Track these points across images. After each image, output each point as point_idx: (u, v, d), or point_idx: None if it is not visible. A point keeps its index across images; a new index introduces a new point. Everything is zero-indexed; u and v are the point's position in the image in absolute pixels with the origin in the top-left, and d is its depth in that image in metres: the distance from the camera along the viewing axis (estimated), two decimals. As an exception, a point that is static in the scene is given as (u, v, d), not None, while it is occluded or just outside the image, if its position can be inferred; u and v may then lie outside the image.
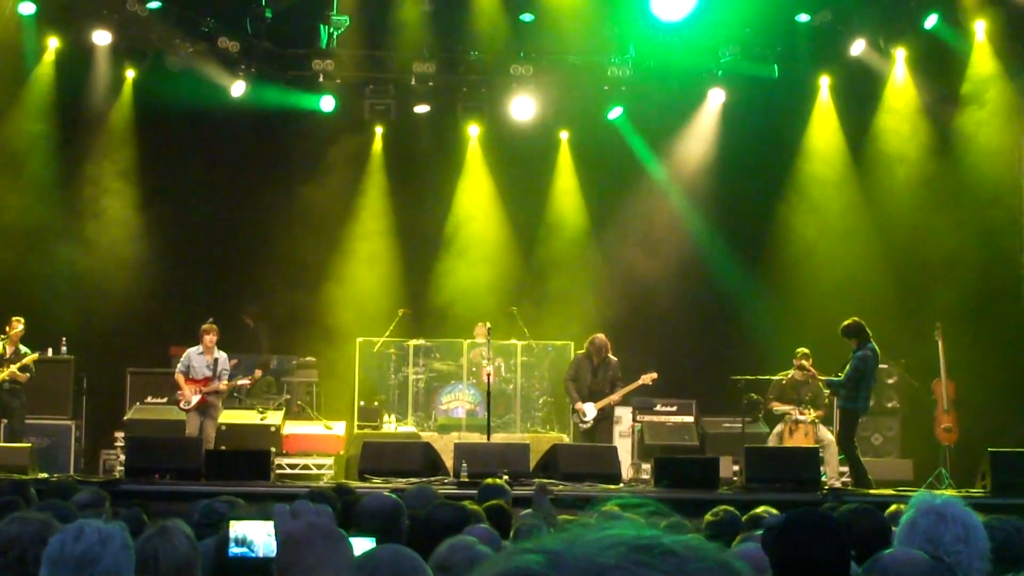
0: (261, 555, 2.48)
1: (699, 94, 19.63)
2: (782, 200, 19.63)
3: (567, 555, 1.19)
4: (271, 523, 2.38)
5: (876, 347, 14.86)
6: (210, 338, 16.05)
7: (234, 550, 2.49)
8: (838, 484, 15.09)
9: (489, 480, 9.54)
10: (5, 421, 16.28)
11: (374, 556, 3.22)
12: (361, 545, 2.39)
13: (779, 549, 4.15)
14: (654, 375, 16.16)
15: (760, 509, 7.23)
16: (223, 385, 16.07)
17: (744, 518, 6.80)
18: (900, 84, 18.81)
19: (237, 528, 2.50)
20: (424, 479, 13.79)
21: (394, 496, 5.80)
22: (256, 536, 2.47)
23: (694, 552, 1.20)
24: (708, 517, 6.73)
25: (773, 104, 19.50)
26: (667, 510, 1.36)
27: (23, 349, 16.29)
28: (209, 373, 15.93)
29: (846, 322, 15.03)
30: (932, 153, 18.48)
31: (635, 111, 19.89)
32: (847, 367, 14.78)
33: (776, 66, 18.88)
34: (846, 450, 15.01)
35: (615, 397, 16.10)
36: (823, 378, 15.23)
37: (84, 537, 4.03)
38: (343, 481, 12.96)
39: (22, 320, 16.30)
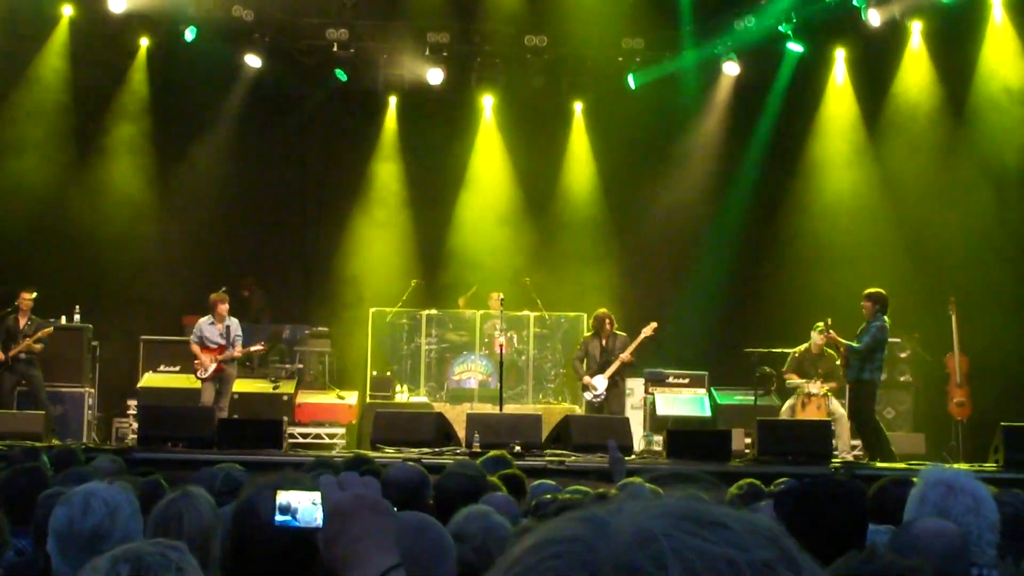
0: (302, 523, 2.52)
1: (714, 66, 19.53)
2: (796, 172, 19.58)
3: (614, 523, 1.17)
4: (316, 493, 2.43)
5: (888, 320, 14.86)
6: (223, 307, 16.09)
7: (279, 518, 2.54)
8: (850, 457, 15.10)
9: (493, 452, 9.60)
10: (24, 388, 16.37)
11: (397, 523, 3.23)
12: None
13: (796, 516, 4.15)
14: (654, 324, 16.28)
15: (780, 481, 7.24)
16: (237, 351, 16.12)
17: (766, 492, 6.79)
18: (916, 57, 18.72)
19: (282, 497, 2.55)
20: (436, 449, 13.84)
21: (417, 466, 5.78)
22: (299, 504, 2.52)
23: (746, 525, 1.16)
24: (733, 490, 6.72)
25: (789, 77, 19.41)
26: (717, 484, 1.34)
27: (34, 317, 16.36)
28: (222, 341, 15.98)
29: (873, 289, 14.93)
30: (948, 127, 18.40)
31: (648, 82, 19.78)
32: (864, 336, 14.76)
33: (802, 42, 18.79)
34: (867, 423, 14.95)
35: (625, 356, 16.18)
36: (844, 343, 15.14)
37: (92, 511, 3.95)
38: (359, 451, 12.97)
39: (33, 292, 16.34)
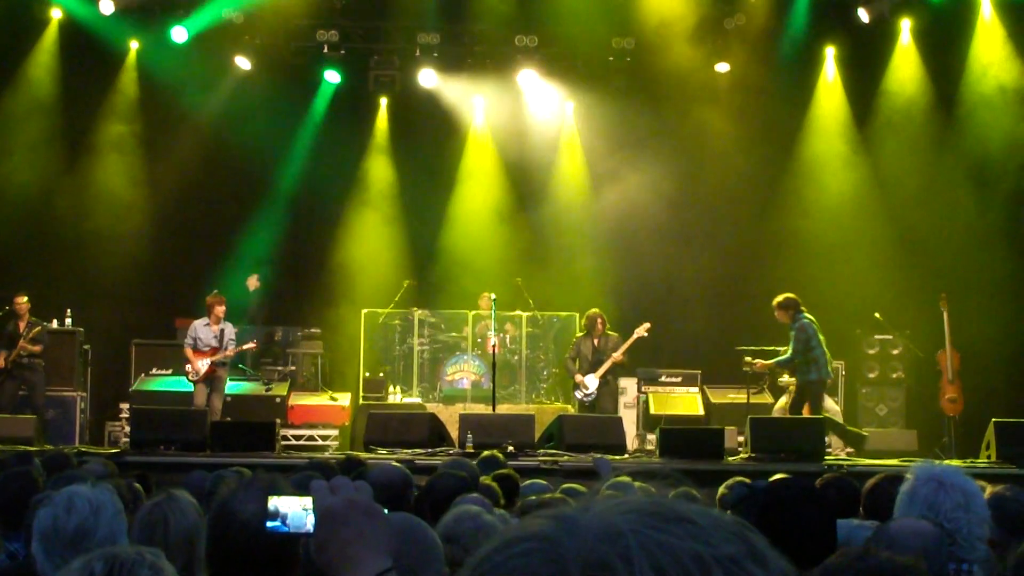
0: (293, 529, 2.52)
1: (706, 65, 19.52)
2: (788, 170, 19.57)
3: (581, 520, 1.18)
4: (306, 499, 2.42)
5: (811, 316, 14.81)
6: (220, 308, 16.07)
7: (269, 524, 2.54)
8: (843, 454, 15.11)
9: (486, 452, 9.61)
10: (24, 393, 16.30)
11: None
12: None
13: (764, 521, 4.12)
14: (647, 325, 16.28)
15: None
16: (230, 351, 16.09)
17: None
18: (906, 55, 18.75)
19: (272, 502, 2.54)
20: (429, 450, 13.84)
21: (400, 467, 5.78)
22: (289, 510, 2.51)
23: (713, 521, 1.18)
24: (722, 490, 6.70)
25: (779, 74, 19.43)
26: (681, 478, 1.34)
27: (33, 319, 16.32)
28: (216, 344, 15.96)
29: (778, 298, 14.96)
30: (938, 124, 18.42)
31: (640, 82, 19.78)
32: (791, 344, 14.78)
33: (791, 40, 18.83)
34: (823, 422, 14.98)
35: (617, 356, 16.18)
36: (771, 362, 15.22)
37: (75, 510, 3.98)
38: (351, 453, 12.99)
39: (24, 295, 16.29)
